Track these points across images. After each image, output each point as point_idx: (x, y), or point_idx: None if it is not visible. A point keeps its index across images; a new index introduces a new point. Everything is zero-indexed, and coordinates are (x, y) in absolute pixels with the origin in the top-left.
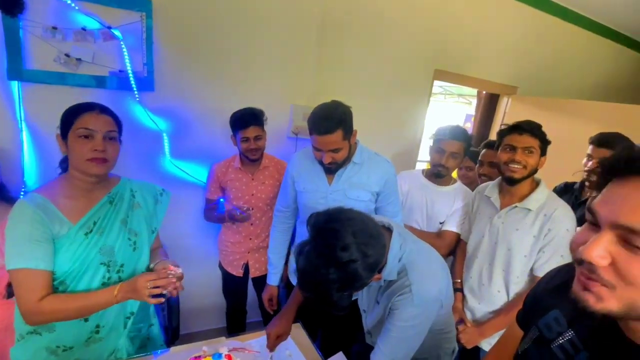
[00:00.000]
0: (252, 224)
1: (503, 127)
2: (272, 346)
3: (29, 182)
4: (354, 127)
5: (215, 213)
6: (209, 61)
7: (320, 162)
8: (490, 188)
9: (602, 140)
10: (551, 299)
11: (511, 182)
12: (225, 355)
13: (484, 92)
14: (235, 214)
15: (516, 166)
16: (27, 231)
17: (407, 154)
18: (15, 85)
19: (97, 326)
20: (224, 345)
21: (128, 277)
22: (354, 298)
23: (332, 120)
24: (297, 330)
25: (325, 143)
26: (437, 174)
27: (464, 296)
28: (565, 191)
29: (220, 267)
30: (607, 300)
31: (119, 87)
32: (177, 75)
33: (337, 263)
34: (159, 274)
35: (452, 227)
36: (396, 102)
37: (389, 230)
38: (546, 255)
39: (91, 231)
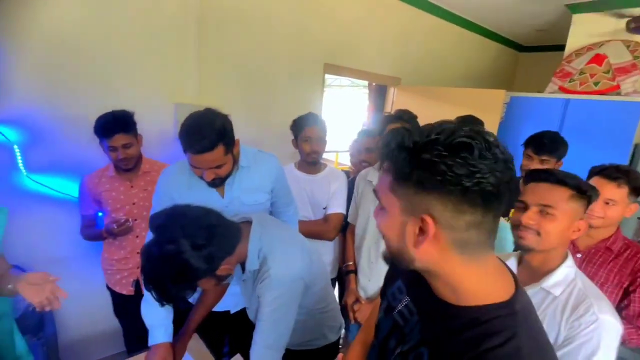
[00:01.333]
0: (137, 237)
1: (385, 115)
2: None
3: None
4: (237, 135)
5: (94, 229)
6: (67, 58)
7: (202, 179)
8: (371, 173)
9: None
10: (397, 270)
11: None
12: None
13: (374, 83)
14: (113, 227)
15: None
16: None
17: None
18: None
19: None
20: None
21: None
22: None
23: (210, 136)
24: (196, 341)
25: (204, 162)
26: (312, 162)
27: (357, 277)
28: None
29: (108, 288)
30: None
31: None
32: (26, 76)
33: (166, 257)
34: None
35: (335, 208)
36: (290, 98)
37: (250, 223)
38: None
39: None
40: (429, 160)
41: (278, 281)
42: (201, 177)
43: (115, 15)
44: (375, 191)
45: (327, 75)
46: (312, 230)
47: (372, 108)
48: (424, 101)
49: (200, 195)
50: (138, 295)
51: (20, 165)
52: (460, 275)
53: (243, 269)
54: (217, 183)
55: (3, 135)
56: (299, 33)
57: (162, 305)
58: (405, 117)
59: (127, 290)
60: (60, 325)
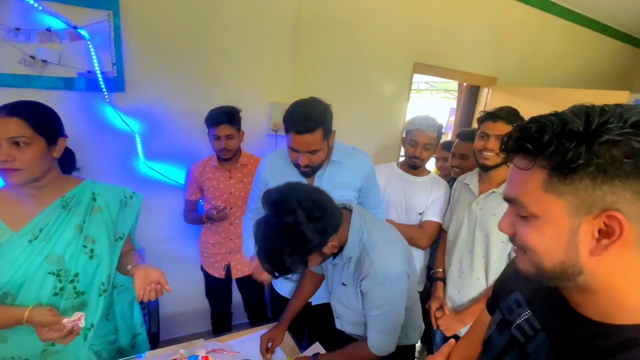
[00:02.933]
0: (231, 224)
1: (481, 114)
2: (263, 350)
3: None
4: (334, 127)
5: (195, 214)
6: (183, 59)
7: (296, 165)
8: (470, 176)
9: None
10: (513, 282)
11: (484, 169)
12: (202, 357)
13: (465, 84)
14: (212, 213)
15: (488, 154)
16: None
17: (389, 150)
18: None
19: None
20: (201, 347)
21: (86, 288)
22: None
23: (312, 119)
24: (286, 338)
25: (303, 143)
26: (412, 166)
27: (445, 286)
28: None
29: (202, 269)
30: (523, 263)
31: (88, 89)
32: (148, 74)
33: (284, 228)
34: (54, 324)
35: (432, 216)
36: (376, 96)
37: (350, 210)
38: None
39: (36, 238)
40: (610, 141)
41: (384, 276)
42: (296, 164)
43: (222, 24)
44: (510, 199)
45: None
46: (406, 234)
47: (461, 112)
48: (525, 103)
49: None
50: (228, 280)
51: (140, 152)
52: (632, 286)
53: (334, 254)
54: (309, 172)
55: (128, 125)
56: (388, 31)
57: (275, 277)
58: (506, 115)
59: (219, 273)
60: (162, 299)
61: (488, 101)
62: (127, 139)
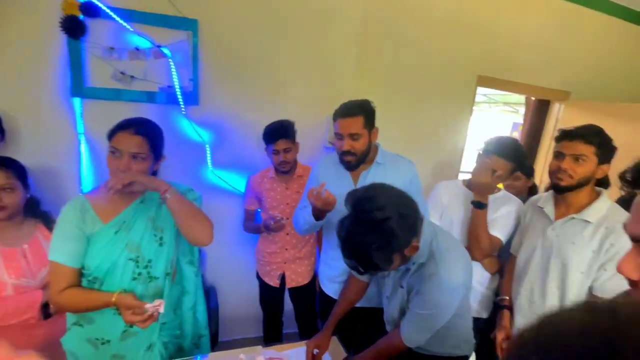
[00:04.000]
0: (287, 234)
1: (558, 132)
2: (309, 358)
3: (85, 189)
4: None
5: (253, 223)
6: (249, 75)
7: (341, 156)
8: (544, 199)
9: None
10: None
11: (559, 190)
12: None
13: (533, 98)
14: (270, 224)
15: (562, 174)
16: (63, 229)
17: (449, 165)
18: (76, 102)
19: None
20: (260, 354)
21: (158, 273)
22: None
23: (355, 106)
24: (334, 344)
25: (346, 126)
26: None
27: (512, 315)
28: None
29: (258, 277)
30: None
31: (167, 102)
32: (219, 89)
33: (374, 223)
34: (137, 307)
35: (492, 230)
36: (437, 111)
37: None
38: (608, 273)
39: (120, 229)
40: None
41: (446, 284)
42: (340, 156)
43: (288, 42)
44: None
45: None
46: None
47: (528, 128)
48: (599, 119)
49: (337, 182)
50: (282, 289)
51: (209, 161)
52: None
53: None
54: (353, 162)
55: (200, 136)
56: (452, 43)
57: (361, 274)
58: (586, 133)
59: (274, 282)
60: (220, 301)
61: (560, 117)
62: (198, 148)
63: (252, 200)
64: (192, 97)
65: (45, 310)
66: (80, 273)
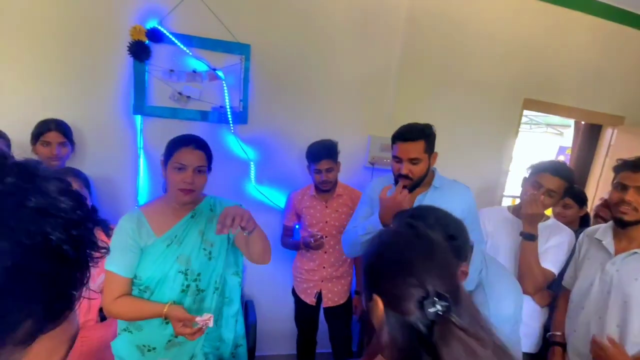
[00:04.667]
0: (325, 252)
1: (618, 162)
2: None
3: (142, 200)
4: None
5: (291, 240)
6: (295, 96)
7: (397, 178)
8: (601, 231)
9: None
10: None
11: (622, 224)
12: None
13: (583, 122)
14: (310, 241)
15: (626, 207)
16: (119, 240)
17: (492, 189)
18: (138, 119)
19: None
20: None
21: (205, 286)
22: None
23: (416, 130)
24: None
25: (406, 151)
26: None
27: (564, 352)
28: None
29: (294, 293)
30: None
31: (218, 121)
32: (266, 109)
33: (417, 235)
34: (189, 320)
35: (545, 263)
36: (481, 133)
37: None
38: None
39: (172, 242)
40: None
41: (495, 316)
42: (398, 177)
43: (332, 63)
44: None
45: None
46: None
47: (577, 153)
48: None
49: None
50: (318, 307)
51: (252, 177)
52: None
53: None
54: (409, 186)
55: (245, 153)
56: (497, 64)
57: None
58: None
59: (310, 300)
60: (257, 316)
61: (613, 142)
62: (243, 164)
63: (292, 217)
64: (241, 117)
65: (102, 314)
66: (132, 283)
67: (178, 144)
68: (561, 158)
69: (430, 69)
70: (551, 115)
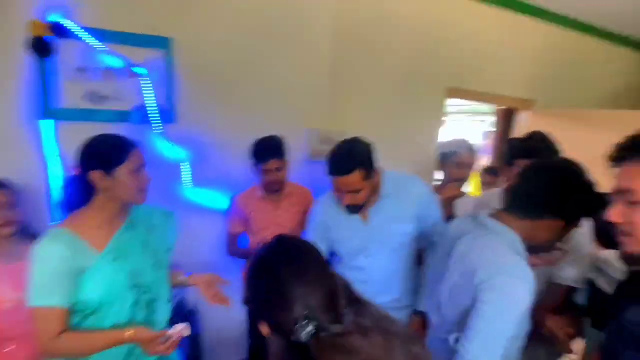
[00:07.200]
0: None
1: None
2: None
3: (57, 215)
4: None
5: (241, 249)
6: (227, 92)
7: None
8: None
9: None
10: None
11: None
12: None
13: (502, 107)
14: None
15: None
16: (48, 269)
17: (422, 174)
18: (46, 123)
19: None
20: None
21: (156, 298)
22: None
23: (350, 161)
24: None
25: (343, 184)
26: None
27: None
28: None
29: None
30: (632, 245)
31: (142, 121)
32: (197, 106)
33: None
34: (160, 337)
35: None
36: (409, 122)
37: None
38: None
39: (118, 257)
40: None
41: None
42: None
43: (263, 56)
44: (623, 189)
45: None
46: None
47: (500, 136)
48: (563, 125)
49: (345, 225)
50: None
51: (185, 179)
52: None
53: None
54: (353, 210)
55: (177, 154)
56: (420, 56)
57: None
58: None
59: None
60: (204, 325)
61: (527, 125)
62: (176, 167)
63: (238, 223)
64: (168, 115)
65: None
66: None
67: (129, 146)
68: (486, 142)
69: (359, 63)
70: (478, 105)
